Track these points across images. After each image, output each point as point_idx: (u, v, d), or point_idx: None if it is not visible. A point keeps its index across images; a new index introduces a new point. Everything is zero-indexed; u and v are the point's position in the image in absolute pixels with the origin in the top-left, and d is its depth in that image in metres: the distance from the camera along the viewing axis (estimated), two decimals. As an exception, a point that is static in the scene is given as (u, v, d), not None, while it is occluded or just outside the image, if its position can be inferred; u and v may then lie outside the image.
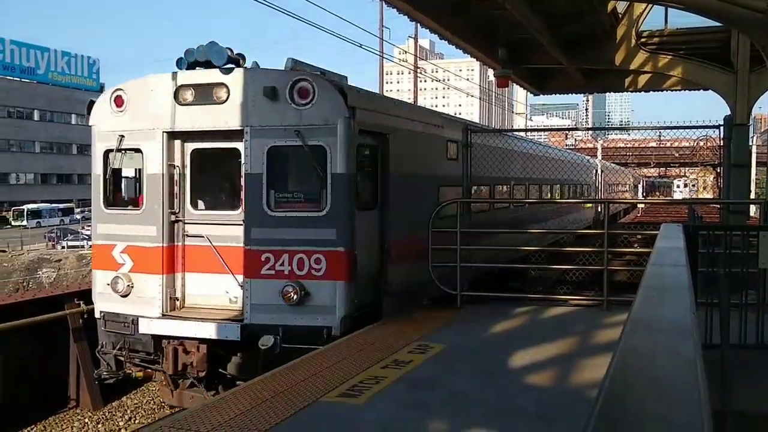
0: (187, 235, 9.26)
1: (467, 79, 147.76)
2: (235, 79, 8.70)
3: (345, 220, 8.51)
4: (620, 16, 18.72)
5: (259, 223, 8.59)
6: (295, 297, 8.31)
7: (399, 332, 8.31)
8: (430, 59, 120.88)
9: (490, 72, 20.61)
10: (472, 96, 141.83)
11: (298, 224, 8.58)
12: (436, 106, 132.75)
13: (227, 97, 8.72)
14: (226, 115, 8.72)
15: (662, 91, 21.70)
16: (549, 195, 21.04)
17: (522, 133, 23.66)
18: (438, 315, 9.34)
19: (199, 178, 9.44)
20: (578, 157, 29.75)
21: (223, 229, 9.12)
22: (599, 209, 24.83)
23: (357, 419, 5.41)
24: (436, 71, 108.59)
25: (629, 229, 22.88)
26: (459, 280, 10.02)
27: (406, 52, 49.32)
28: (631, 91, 22.52)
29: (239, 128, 8.66)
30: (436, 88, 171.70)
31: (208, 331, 8.54)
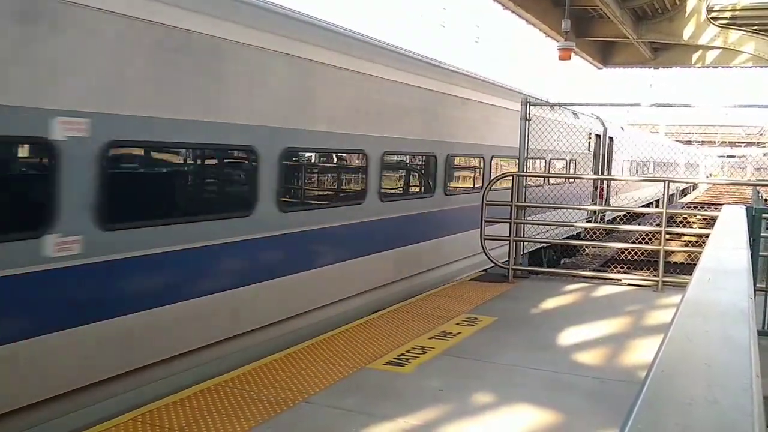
0: None
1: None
2: None
3: None
4: (690, -12, 18.13)
5: None
6: None
7: (447, 304, 8.33)
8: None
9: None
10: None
11: None
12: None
13: None
14: None
15: (732, 67, 20.99)
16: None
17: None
18: (488, 288, 9.32)
19: None
20: None
21: None
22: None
23: (404, 387, 5.46)
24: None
25: (688, 210, 22.33)
26: (511, 254, 9.98)
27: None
28: (699, 67, 21.88)
29: None
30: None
31: None
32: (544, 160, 14.00)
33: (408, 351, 6.38)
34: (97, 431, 4.44)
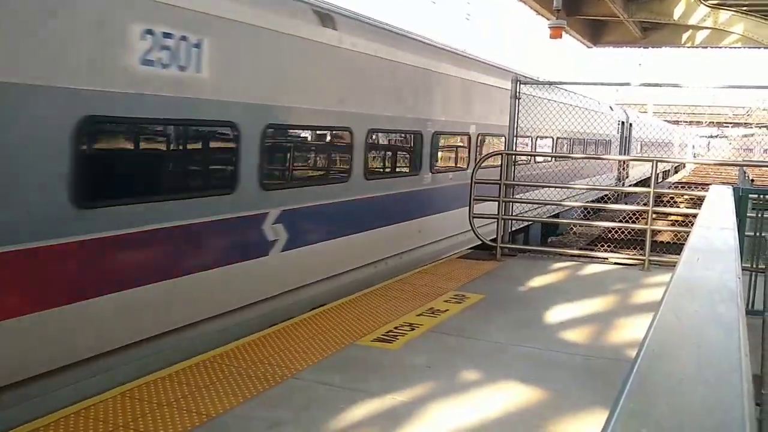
0: None
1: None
2: None
3: None
4: (682, -33, 18.09)
5: None
6: None
7: (435, 282, 8.35)
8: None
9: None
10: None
11: None
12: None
13: None
14: None
15: (721, 48, 21.00)
16: None
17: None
18: (476, 266, 9.35)
19: None
20: None
21: None
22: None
23: (391, 363, 5.49)
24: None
25: (676, 190, 22.39)
26: (499, 232, 10.00)
27: None
28: (689, 47, 21.89)
29: None
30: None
31: None
32: None
33: (396, 328, 6.40)
34: (86, 406, 4.44)
